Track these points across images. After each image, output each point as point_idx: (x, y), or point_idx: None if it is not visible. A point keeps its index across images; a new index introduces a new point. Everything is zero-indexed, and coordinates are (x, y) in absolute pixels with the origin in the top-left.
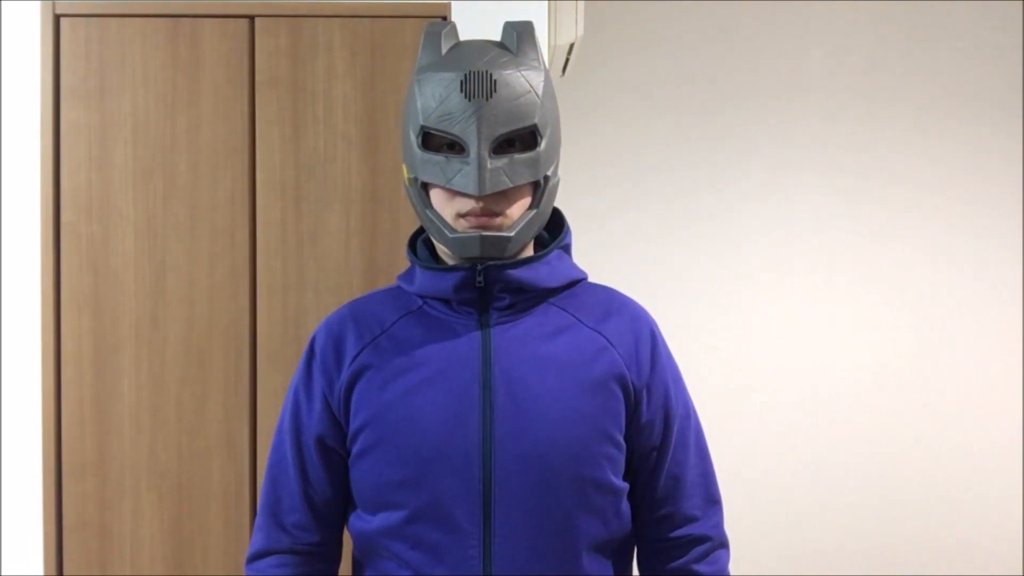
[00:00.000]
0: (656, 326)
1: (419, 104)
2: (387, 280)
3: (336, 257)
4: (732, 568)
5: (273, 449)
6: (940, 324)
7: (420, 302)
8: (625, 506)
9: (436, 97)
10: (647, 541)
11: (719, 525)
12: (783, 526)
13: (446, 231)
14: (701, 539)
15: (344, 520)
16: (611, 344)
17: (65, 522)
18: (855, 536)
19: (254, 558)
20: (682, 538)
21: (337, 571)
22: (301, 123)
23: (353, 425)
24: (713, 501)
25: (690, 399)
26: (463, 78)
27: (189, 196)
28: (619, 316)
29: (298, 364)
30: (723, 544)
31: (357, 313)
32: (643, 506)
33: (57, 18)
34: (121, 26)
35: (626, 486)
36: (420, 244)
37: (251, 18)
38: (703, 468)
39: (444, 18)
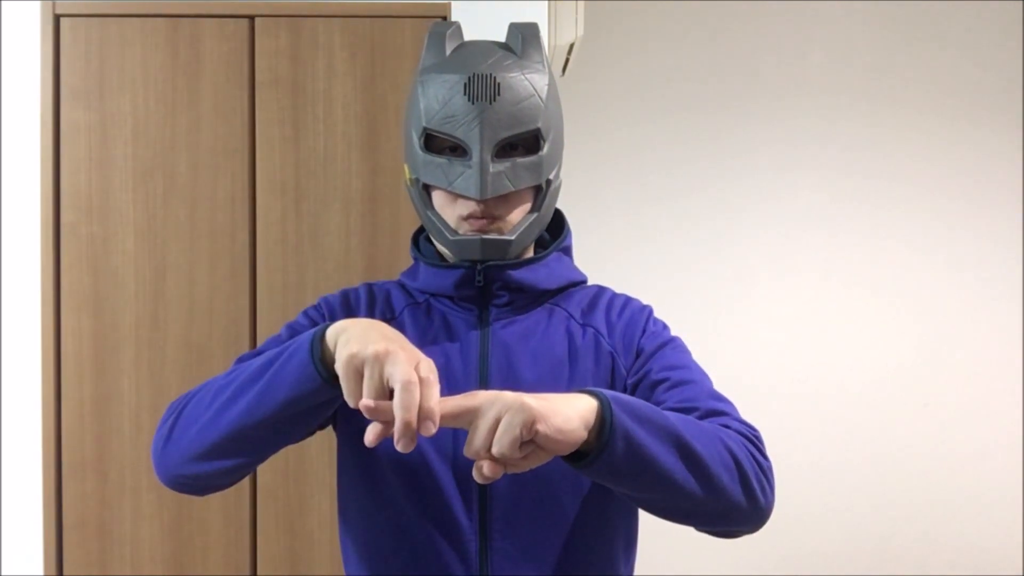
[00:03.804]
0: (652, 309)
1: (422, 105)
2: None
3: (336, 257)
4: (731, 569)
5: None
6: (940, 324)
7: (424, 297)
8: (626, 502)
9: (439, 99)
10: None
11: (747, 428)
12: (783, 526)
13: (447, 233)
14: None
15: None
16: (601, 334)
17: (65, 522)
18: (855, 536)
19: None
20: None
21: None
22: (301, 123)
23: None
24: (738, 421)
25: (694, 362)
26: (467, 80)
27: (189, 196)
28: (608, 307)
29: (299, 313)
30: (752, 430)
31: (372, 293)
32: None
33: (57, 18)
34: (121, 26)
35: None
36: (423, 240)
37: (251, 18)
38: (716, 403)
39: (444, 18)
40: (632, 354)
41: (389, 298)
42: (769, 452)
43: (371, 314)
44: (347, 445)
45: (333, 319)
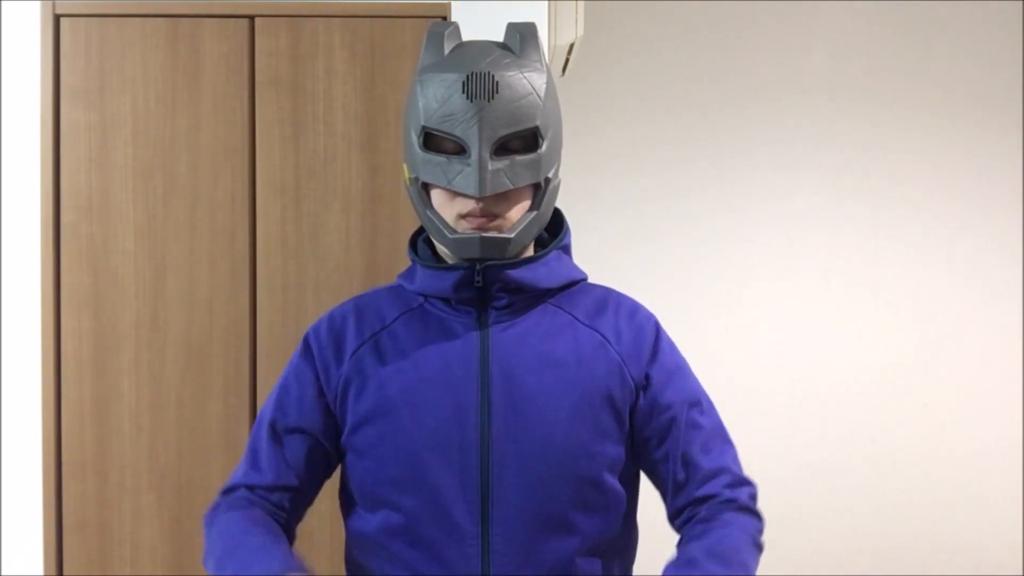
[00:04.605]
0: (657, 320)
1: (421, 104)
2: (387, 280)
3: (336, 257)
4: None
5: (255, 426)
6: (940, 324)
7: (421, 300)
8: (626, 506)
9: (438, 98)
10: (682, 526)
11: (750, 495)
12: (783, 526)
13: (446, 231)
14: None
15: (308, 507)
16: (608, 341)
17: (65, 522)
18: (855, 536)
19: (228, 491)
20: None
21: (293, 534)
22: (301, 123)
23: (351, 421)
24: (742, 481)
25: (700, 387)
26: (465, 79)
27: (189, 196)
28: (616, 313)
29: (294, 353)
30: (752, 492)
31: (360, 308)
32: (669, 498)
33: (57, 18)
34: (121, 26)
35: (624, 491)
36: (421, 243)
37: (251, 18)
38: (724, 452)
39: (444, 18)
40: (641, 366)
41: (380, 310)
42: (769, 452)
43: (359, 331)
44: (350, 454)
45: (322, 354)
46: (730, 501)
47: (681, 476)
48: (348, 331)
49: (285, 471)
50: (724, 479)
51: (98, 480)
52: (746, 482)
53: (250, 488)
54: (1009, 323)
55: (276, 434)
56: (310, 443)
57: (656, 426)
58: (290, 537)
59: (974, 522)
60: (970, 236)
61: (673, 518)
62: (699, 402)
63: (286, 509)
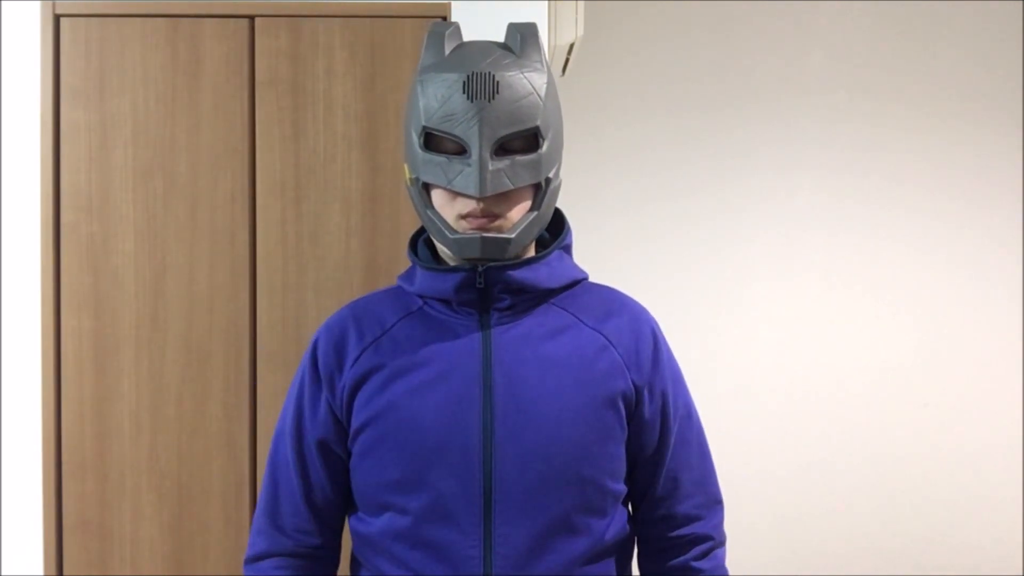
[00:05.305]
0: (657, 325)
1: (421, 104)
2: (387, 280)
3: (336, 257)
4: (732, 568)
5: (272, 451)
6: (940, 324)
7: (420, 302)
8: (627, 506)
9: (438, 98)
10: (647, 540)
11: (719, 525)
12: (783, 526)
13: (447, 232)
14: (702, 538)
15: (343, 523)
16: (611, 344)
17: (65, 522)
18: (855, 536)
19: (254, 560)
20: (683, 537)
21: (336, 573)
22: (301, 123)
23: (354, 425)
24: (715, 501)
25: (691, 399)
26: (466, 79)
27: (189, 196)
28: (619, 316)
29: (299, 366)
30: (722, 543)
31: (358, 314)
32: (643, 505)
33: (57, 18)
34: (121, 26)
35: (625, 488)
36: (421, 244)
37: (251, 18)
38: (704, 468)
39: (444, 18)
40: (643, 374)
41: (378, 314)
42: (769, 452)
43: (360, 337)
44: (354, 457)
45: (326, 365)
46: (706, 539)
47: (663, 491)
48: (348, 339)
49: (310, 496)
50: (700, 498)
51: (98, 480)
52: (718, 500)
53: (280, 531)
54: (1009, 323)
55: (299, 454)
56: (333, 457)
57: (649, 435)
58: (336, 557)
59: (974, 522)
60: (970, 236)
61: (648, 524)
62: (690, 414)
63: (323, 535)
